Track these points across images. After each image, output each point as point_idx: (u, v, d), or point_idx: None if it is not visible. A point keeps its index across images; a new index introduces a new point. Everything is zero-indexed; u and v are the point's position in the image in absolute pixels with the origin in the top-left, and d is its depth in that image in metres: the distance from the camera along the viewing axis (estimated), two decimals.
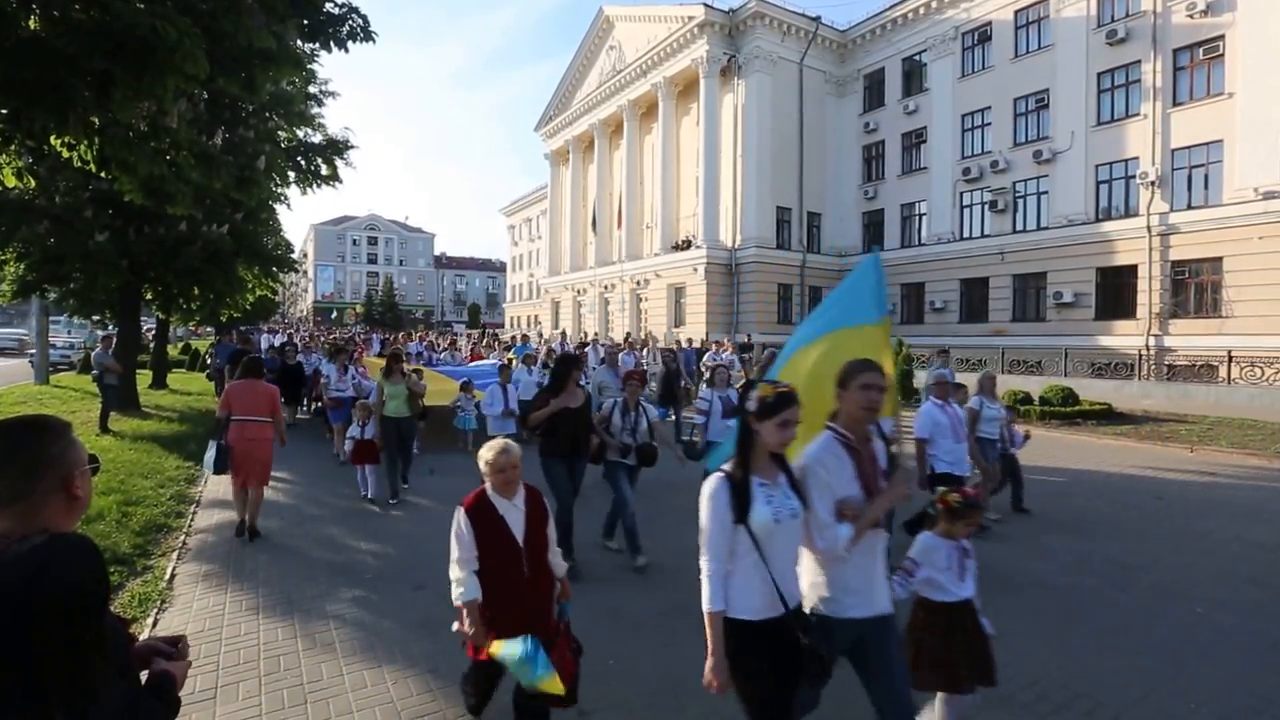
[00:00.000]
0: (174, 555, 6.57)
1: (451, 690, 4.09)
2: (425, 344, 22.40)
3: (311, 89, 18.26)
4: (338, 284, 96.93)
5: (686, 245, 33.61)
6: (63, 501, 1.53)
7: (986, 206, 27.47)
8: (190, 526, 7.55)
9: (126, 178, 6.58)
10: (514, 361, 15.31)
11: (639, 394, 6.47)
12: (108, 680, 1.35)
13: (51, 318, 24.19)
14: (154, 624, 5.06)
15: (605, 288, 39.43)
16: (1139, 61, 22.81)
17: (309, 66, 18.04)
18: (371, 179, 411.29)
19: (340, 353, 12.90)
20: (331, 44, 7.82)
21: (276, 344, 20.44)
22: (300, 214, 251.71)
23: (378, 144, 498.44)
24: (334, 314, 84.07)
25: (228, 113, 15.43)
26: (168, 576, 5.99)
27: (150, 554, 6.66)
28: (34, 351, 22.28)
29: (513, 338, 29.71)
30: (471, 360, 17.79)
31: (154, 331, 23.47)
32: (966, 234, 28.55)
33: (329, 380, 11.83)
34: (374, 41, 7.86)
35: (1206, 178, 21.64)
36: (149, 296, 18.78)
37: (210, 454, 6.91)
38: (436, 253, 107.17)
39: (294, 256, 43.55)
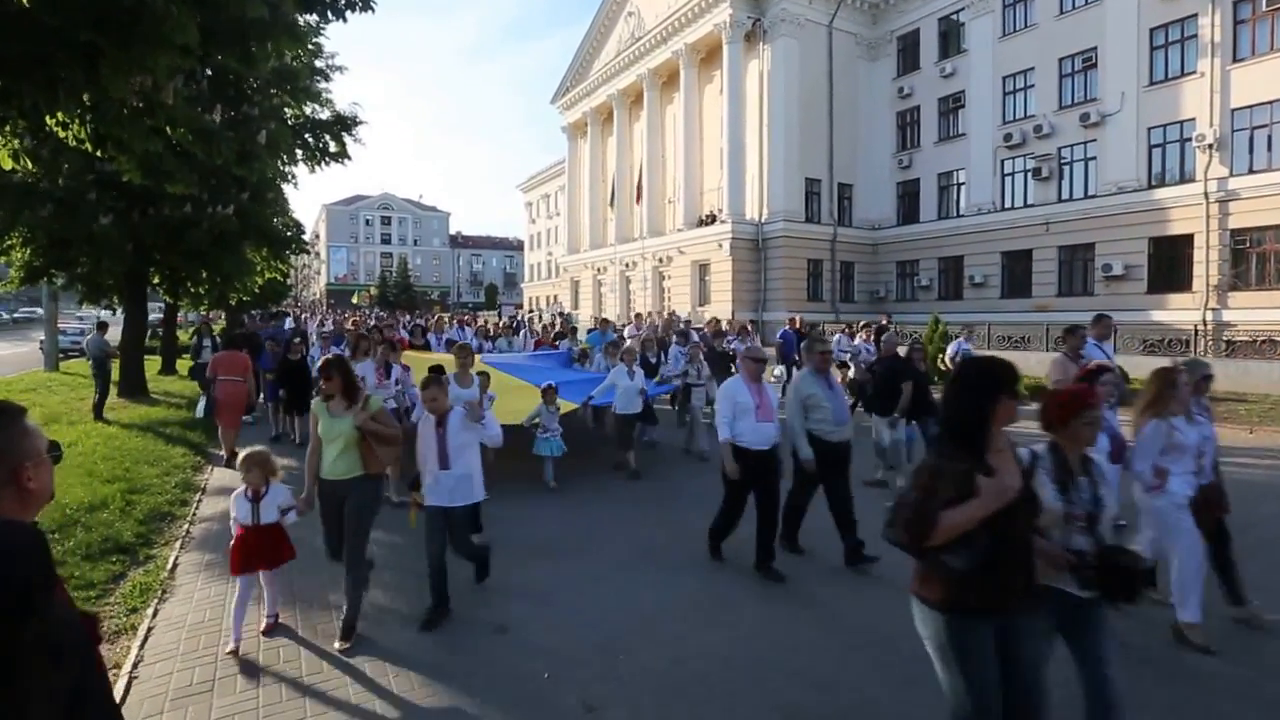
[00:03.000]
0: (177, 544, 6.70)
1: (455, 684, 4.11)
2: (459, 324, 18.47)
3: (318, 63, 18.30)
4: (351, 265, 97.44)
5: (711, 220, 33.33)
6: (14, 493, 1.50)
7: (1030, 174, 26.85)
8: (195, 515, 7.69)
9: (123, 156, 6.63)
10: (589, 352, 13.02)
11: (1093, 438, 3.23)
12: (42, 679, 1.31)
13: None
14: (154, 614, 5.16)
15: (627, 265, 39.28)
16: (1195, 15, 22.03)
17: (315, 40, 18.17)
18: (385, 157, 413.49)
19: (369, 343, 9.83)
20: (329, 13, 7.80)
21: (290, 329, 20.11)
22: (312, 194, 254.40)
23: (391, 121, 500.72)
24: (354, 296, 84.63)
25: (231, 90, 15.55)
26: (170, 566, 6.11)
27: (154, 543, 6.80)
28: (44, 338, 22.73)
29: (559, 317, 27.01)
30: (535, 348, 14.95)
31: (162, 316, 23.73)
32: (1008, 204, 27.97)
33: (365, 381, 8.11)
34: (373, 11, 7.81)
35: (1270, 139, 20.89)
36: (156, 280, 19.05)
37: (201, 403, 10.24)
38: (452, 232, 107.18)
39: (305, 238, 43.95)
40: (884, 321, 18.22)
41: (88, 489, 7.89)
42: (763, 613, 5.16)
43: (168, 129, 6.78)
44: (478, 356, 11.29)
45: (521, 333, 18.80)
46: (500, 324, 22.43)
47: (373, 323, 25.03)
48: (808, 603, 5.37)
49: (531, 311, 46.13)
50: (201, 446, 11.07)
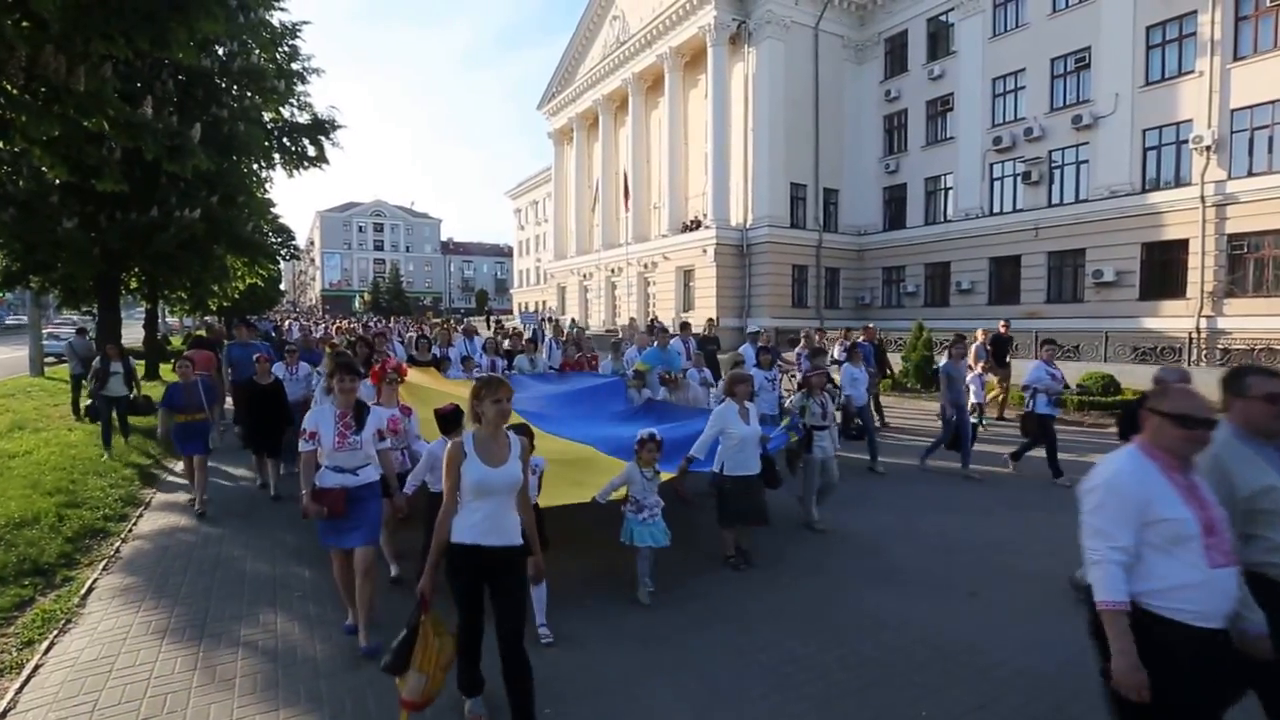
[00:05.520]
0: (100, 565, 6.29)
1: None
2: (464, 334, 13.19)
3: (294, 66, 18.01)
4: (345, 271, 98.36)
5: (695, 226, 32.97)
6: None
7: (1019, 178, 26.45)
8: (129, 532, 7.29)
9: (35, 148, 6.16)
10: (646, 375, 9.80)
11: None
12: None
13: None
14: (47, 649, 4.71)
15: (612, 271, 38.97)
16: (1194, 12, 21.54)
17: (291, 43, 17.82)
18: (379, 164, 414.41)
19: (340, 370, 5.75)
20: None
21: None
22: (308, 200, 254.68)
23: (385, 128, 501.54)
24: (356, 301, 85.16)
25: (201, 89, 15.14)
26: (84, 591, 5.69)
27: (76, 564, 6.40)
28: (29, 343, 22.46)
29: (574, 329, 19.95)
30: (565, 368, 11.39)
31: (144, 321, 23.35)
32: (997, 209, 27.56)
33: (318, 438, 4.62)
34: None
35: (1271, 140, 20.38)
36: (134, 285, 18.67)
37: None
38: (443, 238, 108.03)
39: (297, 244, 43.37)
40: (1001, 330, 14.17)
41: (24, 502, 7.45)
42: None
43: (83, 118, 6.29)
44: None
45: (545, 343, 14.66)
46: (502, 331, 18.31)
47: (357, 333, 21.35)
48: None
49: (544, 314, 43.12)
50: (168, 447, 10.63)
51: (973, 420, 9.79)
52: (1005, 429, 12.54)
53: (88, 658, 4.55)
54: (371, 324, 34.63)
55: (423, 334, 14.41)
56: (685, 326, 13.31)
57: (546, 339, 15.91)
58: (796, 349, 11.61)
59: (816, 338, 13.23)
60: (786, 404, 7.49)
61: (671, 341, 11.05)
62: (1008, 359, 14.29)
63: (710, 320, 18.66)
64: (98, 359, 10.87)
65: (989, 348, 12.47)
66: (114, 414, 10.62)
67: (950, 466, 9.50)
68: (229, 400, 11.05)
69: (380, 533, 4.92)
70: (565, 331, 16.99)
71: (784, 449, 7.23)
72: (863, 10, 31.92)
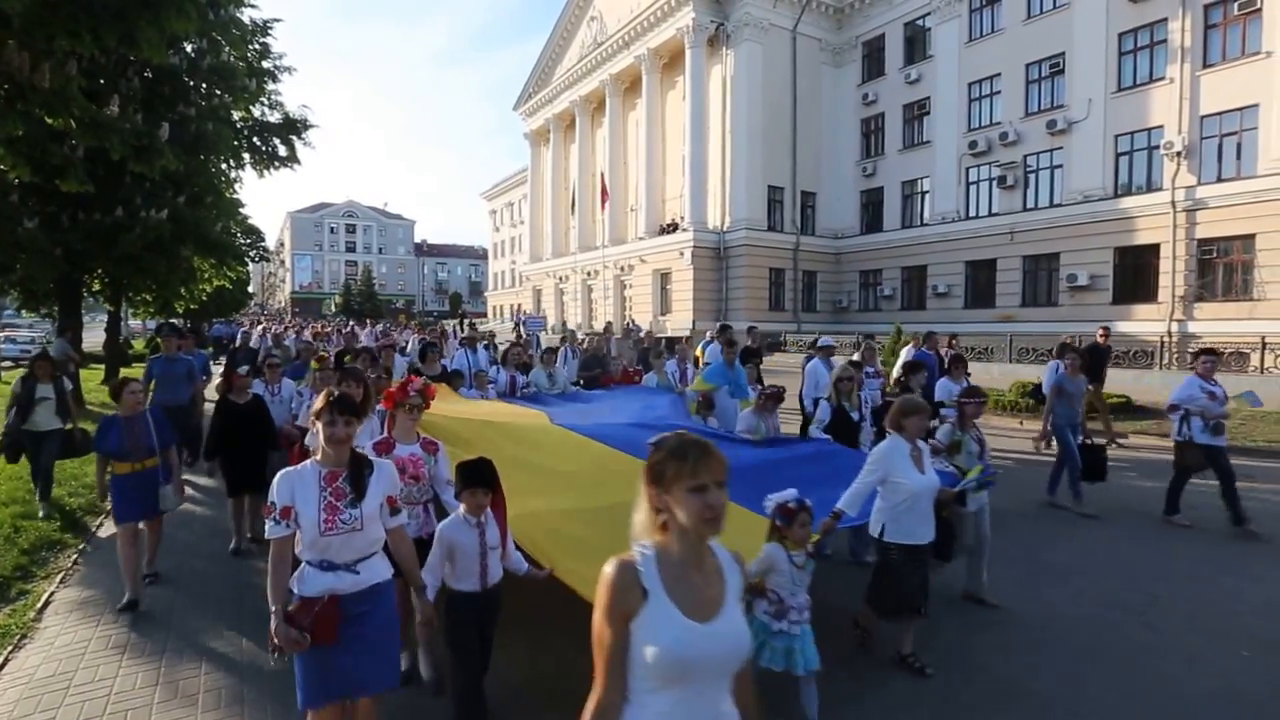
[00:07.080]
0: (58, 578, 6.14)
1: None
2: (462, 344, 11.15)
3: (265, 64, 17.86)
4: (315, 274, 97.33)
5: (673, 228, 33.15)
6: None
7: (995, 183, 26.89)
8: (88, 544, 7.10)
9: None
10: (711, 399, 7.85)
11: None
12: None
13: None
14: (1, 665, 4.60)
15: (588, 274, 39.01)
16: (1165, 20, 22.04)
17: (262, 40, 17.65)
18: (352, 164, 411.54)
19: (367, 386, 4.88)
20: None
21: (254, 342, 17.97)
22: (278, 201, 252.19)
23: (358, 128, 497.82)
24: (331, 304, 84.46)
25: (168, 87, 14.94)
26: (40, 605, 5.55)
27: (33, 576, 6.25)
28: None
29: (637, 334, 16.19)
30: (603, 383, 10.27)
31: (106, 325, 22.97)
32: (972, 213, 27.99)
33: (295, 517, 2.83)
34: None
35: (1239, 147, 20.89)
36: (96, 288, 18.37)
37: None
38: (417, 239, 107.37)
39: (267, 245, 42.99)
40: (1099, 339, 12.48)
41: None
42: None
43: (48, 117, 6.19)
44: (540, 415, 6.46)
45: (563, 351, 11.70)
46: (475, 332, 15.55)
47: (333, 343, 17.68)
48: None
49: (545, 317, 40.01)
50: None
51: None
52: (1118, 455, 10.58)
53: (44, 674, 4.46)
54: (357, 328, 26.31)
55: (431, 341, 12.07)
56: (725, 330, 11.01)
57: (563, 349, 12.44)
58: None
59: (914, 351, 10.44)
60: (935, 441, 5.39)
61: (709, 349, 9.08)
62: (1104, 372, 12.33)
63: (752, 328, 17.37)
64: (17, 381, 8.13)
65: (1084, 358, 10.56)
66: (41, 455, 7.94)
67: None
68: None
69: (399, 669, 3.22)
70: (584, 339, 14.55)
71: None
72: (840, 14, 32.28)
